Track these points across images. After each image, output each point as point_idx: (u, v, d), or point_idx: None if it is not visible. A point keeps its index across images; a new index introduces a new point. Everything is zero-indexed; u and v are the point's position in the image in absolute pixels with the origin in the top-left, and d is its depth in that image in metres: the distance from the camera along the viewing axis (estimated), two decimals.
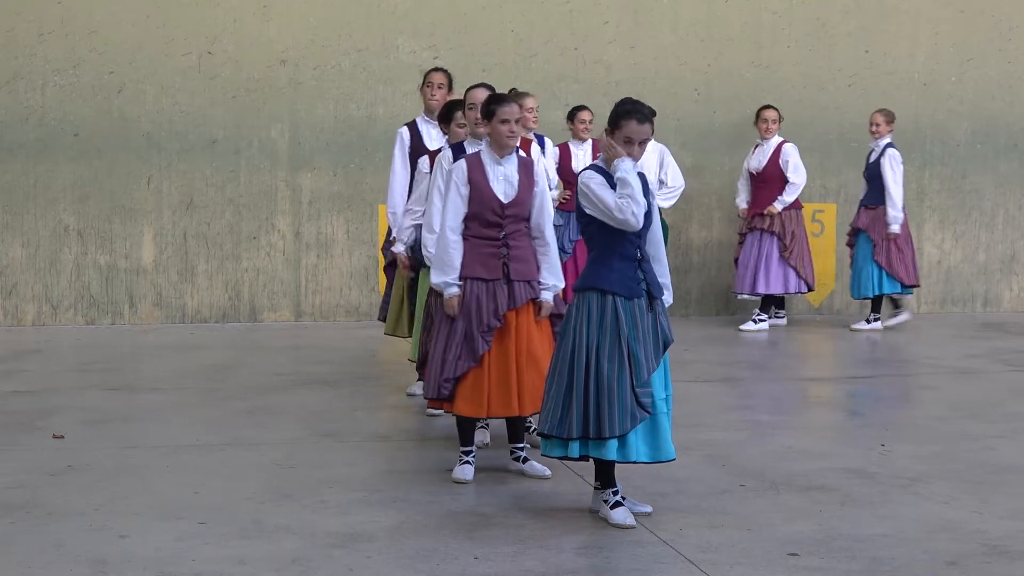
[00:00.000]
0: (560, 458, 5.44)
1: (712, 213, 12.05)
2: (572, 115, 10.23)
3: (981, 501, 5.70)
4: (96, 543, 4.98)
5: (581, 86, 11.55)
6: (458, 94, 7.54)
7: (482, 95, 6.47)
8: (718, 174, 11.99)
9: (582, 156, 10.06)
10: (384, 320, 8.09)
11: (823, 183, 12.16)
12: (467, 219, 5.96)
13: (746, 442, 6.87)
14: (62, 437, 6.78)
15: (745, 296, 11.45)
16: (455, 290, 5.93)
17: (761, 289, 11.08)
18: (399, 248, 7.50)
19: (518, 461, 6.13)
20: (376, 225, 11.33)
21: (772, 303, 11.32)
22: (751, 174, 11.25)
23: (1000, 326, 11.70)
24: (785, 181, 11.07)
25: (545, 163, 8.48)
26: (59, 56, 10.96)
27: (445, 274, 5.94)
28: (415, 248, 7.27)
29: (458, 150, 6.63)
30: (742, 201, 11.31)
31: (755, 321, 11.12)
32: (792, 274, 11.07)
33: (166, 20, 11.07)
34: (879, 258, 11.08)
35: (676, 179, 10.59)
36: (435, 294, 6.13)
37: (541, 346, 5.98)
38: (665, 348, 5.38)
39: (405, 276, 7.69)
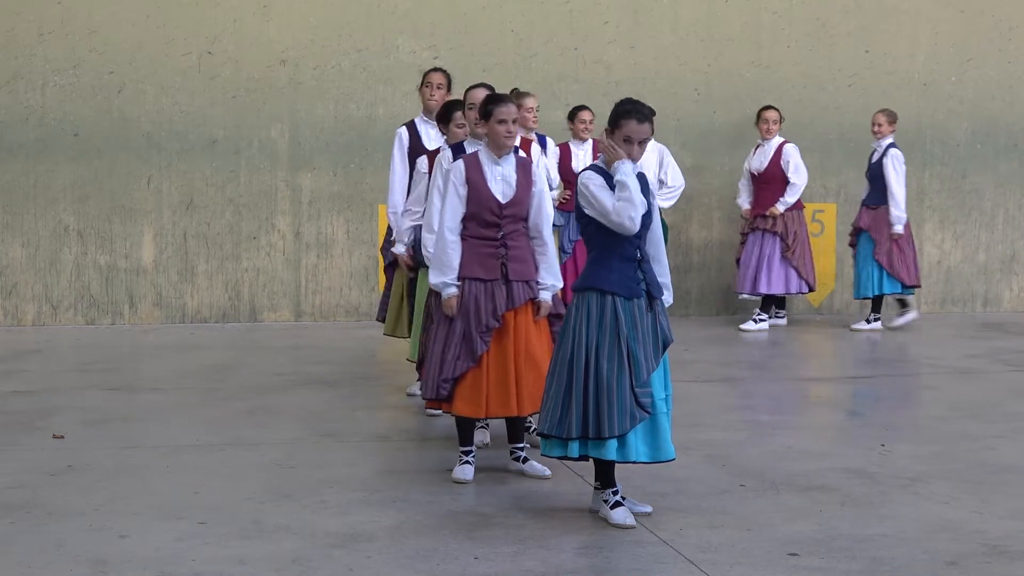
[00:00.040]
0: (560, 458, 5.44)
1: (712, 213, 12.05)
2: (572, 115, 10.22)
3: (981, 501, 5.70)
4: (96, 543, 4.98)
5: (581, 86, 11.55)
6: (457, 94, 7.54)
7: (482, 95, 6.47)
8: (718, 174, 11.99)
9: (582, 156, 10.05)
10: (383, 320, 8.09)
11: (823, 183, 12.16)
12: (465, 219, 5.96)
13: (746, 442, 6.87)
14: (62, 437, 6.79)
15: (746, 296, 11.45)
16: (453, 290, 5.93)
17: (763, 289, 11.09)
18: (400, 249, 7.49)
19: (518, 461, 6.13)
20: (376, 225, 11.33)
21: (772, 303, 11.32)
22: (752, 175, 11.25)
23: (1000, 326, 11.70)
24: (786, 181, 11.07)
25: (547, 163, 8.49)
26: (59, 56, 10.96)
27: (443, 274, 5.94)
28: (416, 248, 7.26)
29: (458, 150, 6.62)
30: (744, 202, 11.31)
31: (755, 321, 11.12)
32: (794, 274, 11.08)
33: (166, 20, 11.07)
34: (880, 258, 11.08)
35: (676, 179, 10.59)
36: (435, 294, 6.13)
37: (540, 346, 5.98)
38: (665, 348, 5.38)
39: (404, 276, 7.69)
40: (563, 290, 6.49)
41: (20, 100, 10.94)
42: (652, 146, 10.10)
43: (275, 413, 7.51)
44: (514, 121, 5.97)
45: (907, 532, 5.23)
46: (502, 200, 5.96)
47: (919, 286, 11.41)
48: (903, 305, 11.38)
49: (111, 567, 4.71)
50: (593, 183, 5.29)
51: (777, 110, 11.23)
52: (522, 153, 6.96)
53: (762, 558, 4.89)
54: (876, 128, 11.22)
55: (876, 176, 11.15)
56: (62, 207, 11.01)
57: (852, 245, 11.45)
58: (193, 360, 9.40)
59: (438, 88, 8.06)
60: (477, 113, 6.28)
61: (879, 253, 11.09)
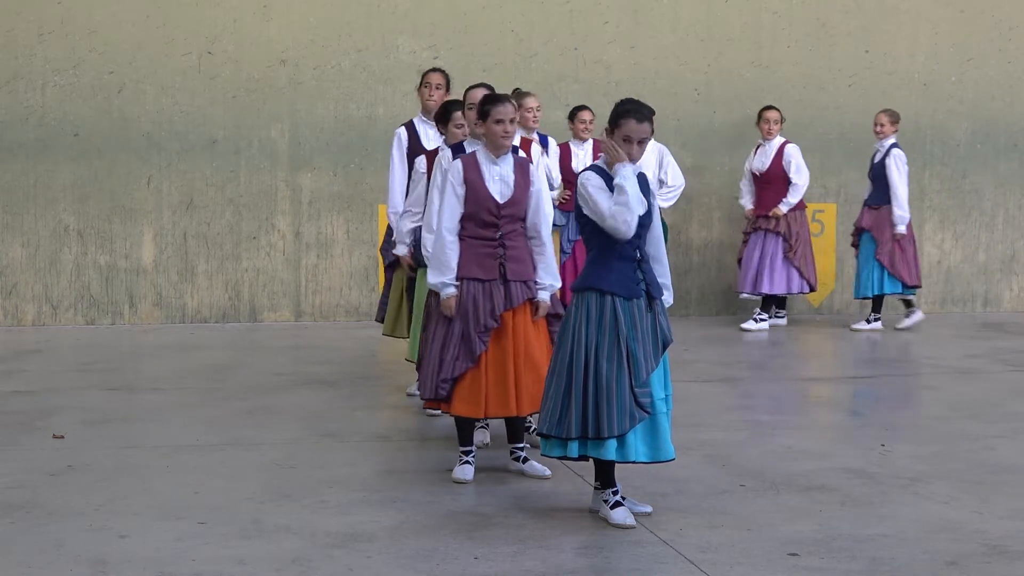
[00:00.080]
0: (559, 458, 5.44)
1: (712, 213, 12.05)
2: (573, 115, 10.22)
3: (981, 501, 5.70)
4: (96, 543, 4.98)
5: (581, 86, 11.55)
6: (457, 94, 7.53)
7: (481, 95, 6.47)
8: (718, 174, 11.99)
9: (583, 156, 10.06)
10: (382, 321, 8.09)
11: (823, 183, 12.15)
12: (463, 219, 5.96)
13: (746, 442, 6.87)
14: (62, 437, 6.79)
15: (747, 295, 11.45)
16: (452, 291, 5.92)
17: (764, 289, 11.09)
18: (402, 250, 7.48)
19: (518, 461, 6.13)
20: (376, 225, 11.32)
21: (773, 302, 11.33)
22: (754, 175, 11.25)
23: (1000, 326, 11.70)
24: (788, 182, 11.07)
25: (548, 162, 8.49)
26: (59, 56, 10.96)
27: (442, 275, 5.94)
28: (417, 248, 7.26)
29: (458, 150, 6.62)
30: (747, 202, 11.30)
31: (756, 320, 11.12)
32: (795, 274, 11.08)
33: (166, 20, 11.07)
34: (882, 257, 11.08)
35: (676, 178, 10.59)
36: (434, 294, 6.13)
37: (538, 346, 5.97)
38: (664, 348, 5.38)
39: (404, 276, 7.68)
40: (562, 290, 6.48)
41: (20, 100, 10.94)
42: (652, 146, 10.10)
43: (275, 413, 7.51)
44: (512, 121, 5.97)
45: (907, 532, 5.23)
46: (500, 200, 5.95)
47: (920, 286, 11.40)
48: (908, 306, 11.38)
49: (111, 567, 4.71)
50: (592, 184, 5.29)
51: (778, 110, 11.23)
52: (521, 153, 6.96)
53: (762, 558, 4.88)
54: (878, 128, 11.22)
55: (878, 176, 11.15)
56: (62, 207, 11.01)
57: (854, 245, 11.45)
58: (193, 360, 9.40)
59: (437, 88, 8.06)
60: (475, 113, 6.28)
61: (881, 253, 11.09)
